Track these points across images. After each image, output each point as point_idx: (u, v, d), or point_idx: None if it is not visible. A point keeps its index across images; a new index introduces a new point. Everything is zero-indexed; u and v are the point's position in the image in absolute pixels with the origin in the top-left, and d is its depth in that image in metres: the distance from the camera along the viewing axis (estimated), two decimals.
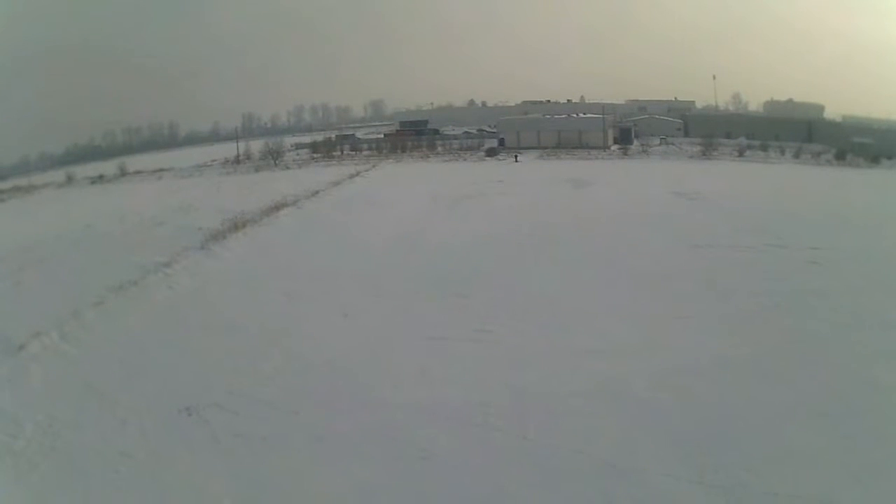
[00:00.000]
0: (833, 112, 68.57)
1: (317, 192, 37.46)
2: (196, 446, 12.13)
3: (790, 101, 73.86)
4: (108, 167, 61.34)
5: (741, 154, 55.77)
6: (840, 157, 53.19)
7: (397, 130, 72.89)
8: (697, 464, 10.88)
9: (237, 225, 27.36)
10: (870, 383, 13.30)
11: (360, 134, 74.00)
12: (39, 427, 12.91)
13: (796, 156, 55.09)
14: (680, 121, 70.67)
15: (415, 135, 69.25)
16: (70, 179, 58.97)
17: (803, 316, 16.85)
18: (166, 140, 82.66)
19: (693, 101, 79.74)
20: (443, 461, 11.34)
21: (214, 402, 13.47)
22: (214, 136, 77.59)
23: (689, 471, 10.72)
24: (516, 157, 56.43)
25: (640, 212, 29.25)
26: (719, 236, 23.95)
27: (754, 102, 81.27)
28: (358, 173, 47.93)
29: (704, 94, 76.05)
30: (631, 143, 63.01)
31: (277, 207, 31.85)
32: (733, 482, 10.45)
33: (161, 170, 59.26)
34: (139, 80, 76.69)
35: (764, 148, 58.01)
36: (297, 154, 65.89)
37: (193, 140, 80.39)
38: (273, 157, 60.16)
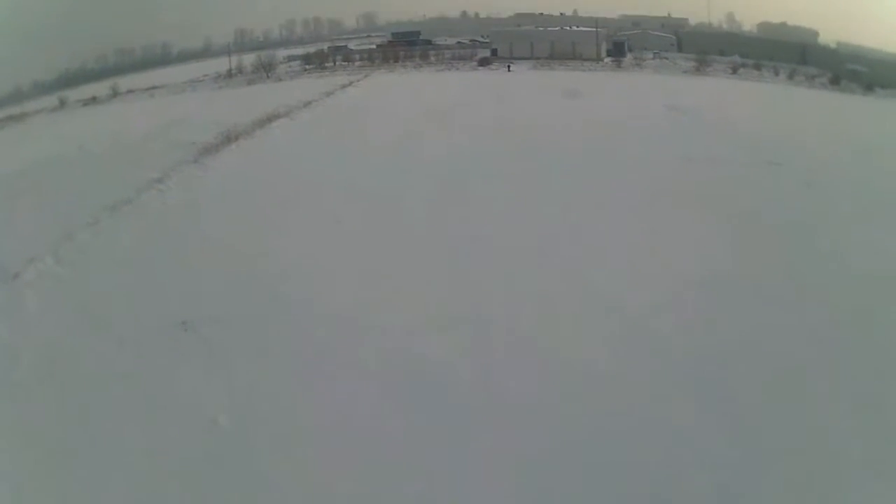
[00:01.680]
0: (827, 38, 66.08)
1: (309, 103, 35.84)
2: (193, 361, 11.72)
3: (784, 24, 70.98)
4: (101, 88, 59.49)
5: (735, 72, 53.84)
6: (834, 82, 51.24)
7: (389, 41, 70.65)
8: (693, 382, 10.60)
9: (230, 138, 26.37)
10: (866, 310, 12.82)
11: (352, 45, 71.56)
12: (37, 355, 12.43)
13: (790, 77, 53.19)
14: (673, 36, 68.19)
15: (407, 45, 67.16)
16: (63, 103, 57.01)
17: (799, 237, 16.19)
18: (159, 59, 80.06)
19: (686, 19, 76.69)
20: (441, 378, 10.94)
21: (210, 316, 12.98)
22: (207, 53, 75.05)
23: (684, 390, 10.43)
24: (509, 66, 54.66)
25: (633, 125, 27.93)
26: (715, 151, 23.04)
27: (748, 23, 78.23)
28: (350, 83, 46.41)
29: (698, 12, 72.72)
30: (624, 56, 60.99)
31: (270, 119, 30.53)
32: (729, 404, 10.18)
33: (153, 87, 57.20)
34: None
35: (757, 67, 56.07)
36: (290, 66, 63.97)
37: (186, 57, 77.95)
38: (265, 70, 58.31)
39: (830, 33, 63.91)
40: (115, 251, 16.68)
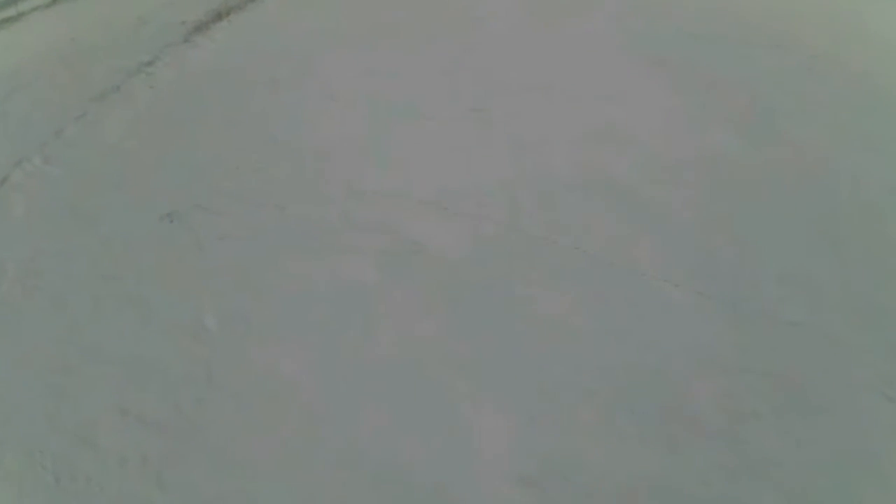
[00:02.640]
0: None
1: None
2: (179, 254, 10.52)
3: None
4: None
5: None
6: None
7: None
8: (695, 271, 9.23)
9: (220, 14, 24.19)
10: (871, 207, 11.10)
11: None
12: (22, 265, 11.23)
13: None
14: None
15: None
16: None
17: (802, 123, 14.30)
18: None
19: None
20: (433, 252, 9.89)
21: (197, 205, 11.63)
22: None
23: (686, 278, 9.08)
24: None
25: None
26: (716, 27, 20.68)
27: None
28: None
29: None
30: None
31: None
32: (730, 295, 8.86)
33: None
34: None
35: None
36: None
37: None
38: None
39: None
40: (101, 143, 15.23)
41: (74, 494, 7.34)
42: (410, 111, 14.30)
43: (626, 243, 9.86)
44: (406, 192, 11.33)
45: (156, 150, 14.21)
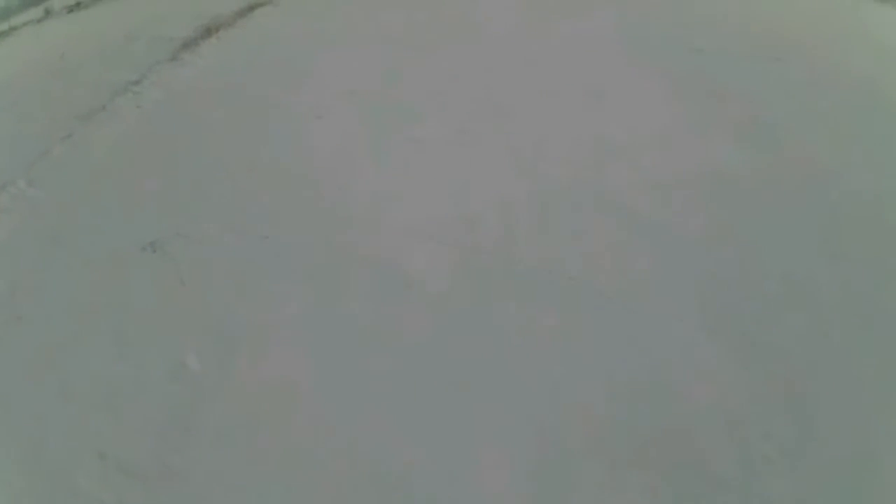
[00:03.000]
0: None
1: None
2: (161, 288, 10.05)
3: None
4: None
5: None
6: None
7: None
8: (702, 302, 8.75)
9: (209, 30, 23.75)
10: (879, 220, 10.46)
11: None
12: (3, 295, 10.54)
13: None
14: None
15: None
16: (48, 13, 54.05)
17: (805, 135, 13.93)
18: None
19: None
20: (424, 284, 9.41)
21: (178, 233, 11.21)
22: None
23: (693, 310, 8.61)
24: None
25: (636, 10, 24.60)
26: (718, 40, 20.28)
27: None
28: None
29: None
30: None
31: (251, 7, 27.47)
32: (738, 327, 8.36)
33: None
34: None
35: None
36: None
37: None
38: None
39: None
40: (87, 165, 14.74)
41: None
42: (402, 131, 13.89)
43: (628, 271, 9.43)
44: (397, 219, 10.90)
45: (141, 173, 13.79)
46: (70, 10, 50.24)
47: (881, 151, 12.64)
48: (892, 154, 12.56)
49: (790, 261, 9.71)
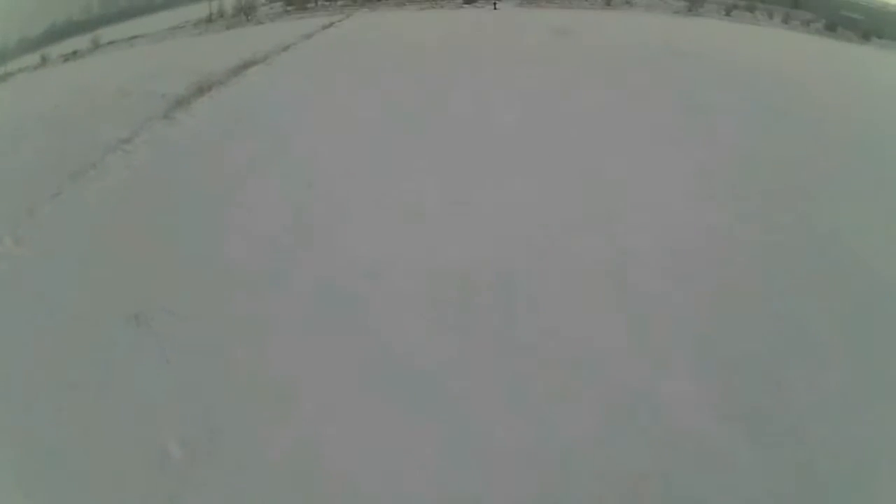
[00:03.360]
0: None
1: (288, 47, 32.99)
2: (145, 366, 9.70)
3: None
4: (83, 42, 56.85)
5: (728, 13, 50.61)
6: (830, 28, 47.74)
7: None
8: (716, 394, 8.55)
9: (202, 89, 23.77)
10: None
11: None
12: None
13: (785, 21, 49.72)
14: None
15: None
16: (45, 60, 54.28)
17: (816, 201, 13.74)
18: (143, 6, 77.25)
19: None
20: (415, 366, 9.22)
21: (164, 307, 10.87)
22: None
23: (705, 404, 8.40)
24: (495, 4, 51.74)
25: (626, 65, 24.84)
26: (720, 99, 20.60)
27: None
28: (331, 24, 43.12)
29: None
30: None
31: (245, 66, 27.60)
32: (755, 419, 8.18)
33: (134, 37, 54.59)
34: None
35: (750, 9, 52.33)
36: (271, 8, 60.80)
37: (171, 4, 75.10)
38: (245, 13, 55.54)
39: None
40: (74, 226, 14.57)
41: None
42: (394, 200, 13.77)
43: (633, 357, 9.17)
44: (387, 292, 10.70)
45: (129, 237, 13.57)
46: (66, 59, 50.39)
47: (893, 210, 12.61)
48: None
49: (797, 332, 9.52)
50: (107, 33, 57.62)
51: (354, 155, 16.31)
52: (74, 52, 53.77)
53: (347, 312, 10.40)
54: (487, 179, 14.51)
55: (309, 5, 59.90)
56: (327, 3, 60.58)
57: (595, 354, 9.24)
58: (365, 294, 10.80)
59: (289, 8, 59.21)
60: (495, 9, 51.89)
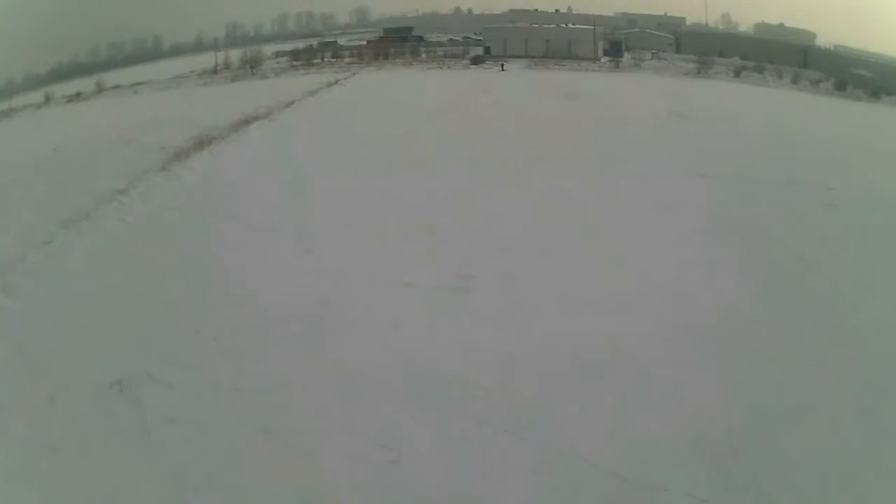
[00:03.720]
0: (825, 41, 63.58)
1: (291, 103, 33.13)
2: (125, 436, 9.21)
3: (781, 25, 68.47)
4: (89, 84, 57.16)
5: (737, 75, 51.43)
6: (840, 87, 48.46)
7: (380, 37, 68.21)
8: (722, 482, 8.27)
9: (202, 142, 23.81)
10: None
11: (342, 41, 69.10)
12: None
13: (794, 81, 50.54)
14: (671, 36, 65.23)
15: (399, 41, 64.64)
16: (48, 99, 54.62)
17: (827, 271, 13.78)
18: (150, 53, 78.21)
19: (684, 18, 74.09)
20: (409, 461, 8.70)
21: (148, 373, 10.44)
22: (199, 47, 72.79)
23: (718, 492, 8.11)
24: (502, 65, 52.28)
25: (637, 132, 25.42)
26: (726, 165, 20.69)
27: (744, 24, 76.22)
28: (337, 81, 43.61)
29: (693, 11, 71.17)
30: (621, 55, 57.85)
31: (248, 121, 27.93)
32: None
33: (138, 83, 55.02)
34: None
35: (759, 70, 53.20)
36: (278, 62, 61.59)
37: (178, 52, 76.06)
38: (251, 67, 56.04)
39: (828, 36, 61.79)
40: (63, 278, 14.27)
41: None
42: (392, 274, 13.48)
43: (640, 448, 8.83)
44: (381, 378, 10.28)
45: (117, 294, 13.25)
46: (70, 99, 50.79)
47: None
48: None
49: (810, 415, 9.26)
50: (112, 77, 58.29)
51: (357, 222, 16.11)
52: (78, 94, 54.22)
53: (340, 404, 9.94)
54: (492, 252, 14.38)
55: (315, 61, 60.58)
56: (334, 60, 61.29)
57: (601, 453, 8.86)
58: (359, 380, 10.38)
59: (295, 63, 59.85)
60: (503, 70, 52.45)
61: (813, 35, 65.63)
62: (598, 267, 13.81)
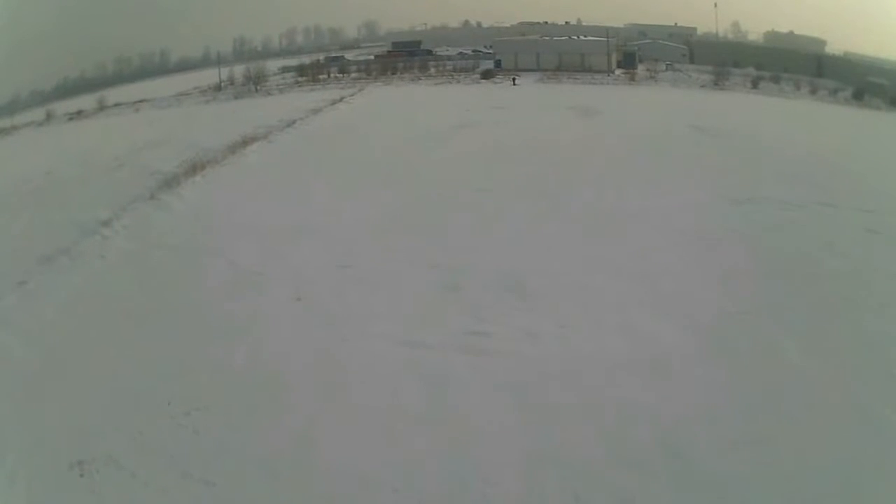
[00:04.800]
0: (834, 48, 62.21)
1: (293, 122, 31.78)
2: None
3: (791, 33, 67.12)
4: (90, 101, 56.17)
5: (755, 86, 49.83)
6: (858, 97, 46.87)
7: (388, 52, 67.12)
8: None
9: (196, 167, 22.41)
10: None
11: (350, 56, 68.10)
12: None
13: (812, 92, 48.96)
14: (685, 47, 63.85)
15: (407, 56, 63.35)
16: (49, 117, 53.62)
17: (876, 311, 12.16)
18: (157, 68, 78.04)
19: (695, 28, 72.82)
20: None
21: (110, 456, 8.86)
22: (206, 62, 72.33)
23: None
24: (514, 80, 50.79)
25: (661, 151, 23.88)
26: (757, 188, 18.98)
27: (754, 33, 75.13)
28: (342, 98, 42.07)
29: (702, 20, 70.58)
30: (635, 67, 56.18)
31: (245, 142, 26.67)
32: None
33: (141, 101, 54.13)
34: (129, 5, 71.65)
35: (775, 80, 51.61)
36: (283, 78, 60.39)
37: (185, 66, 76.01)
38: (254, 83, 54.89)
39: (839, 43, 60.49)
40: (35, 322, 12.78)
41: None
42: (392, 332, 11.70)
43: None
44: (378, 480, 8.50)
45: (88, 351, 11.75)
46: (70, 117, 50.18)
47: None
48: None
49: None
50: (115, 94, 57.47)
51: (352, 270, 14.31)
52: (79, 112, 53.26)
53: (329, 495, 8.28)
54: (504, 307, 12.65)
55: (321, 77, 59.10)
56: (340, 76, 59.82)
57: None
58: (354, 473, 8.63)
59: (300, 79, 58.39)
60: (514, 84, 50.72)
61: (822, 42, 64.39)
62: (611, 324, 11.98)
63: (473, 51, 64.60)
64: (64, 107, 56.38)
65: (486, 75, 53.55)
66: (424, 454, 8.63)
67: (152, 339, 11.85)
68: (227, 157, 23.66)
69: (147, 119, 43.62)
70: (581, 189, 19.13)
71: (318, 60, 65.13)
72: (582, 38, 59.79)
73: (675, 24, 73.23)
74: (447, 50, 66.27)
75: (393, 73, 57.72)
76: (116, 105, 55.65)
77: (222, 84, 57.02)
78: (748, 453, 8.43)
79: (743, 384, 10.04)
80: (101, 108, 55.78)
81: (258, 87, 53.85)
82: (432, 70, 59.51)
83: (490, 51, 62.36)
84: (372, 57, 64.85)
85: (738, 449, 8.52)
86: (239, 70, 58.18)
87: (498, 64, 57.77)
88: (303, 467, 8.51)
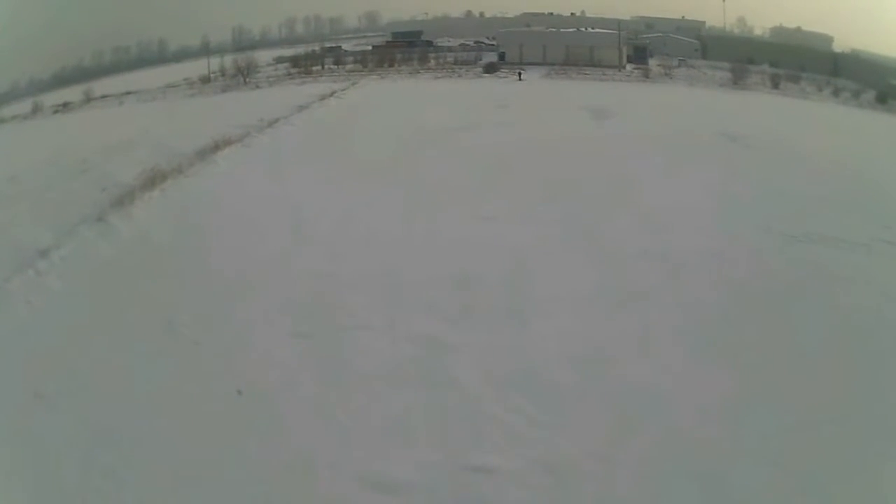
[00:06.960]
0: (840, 45, 59.78)
1: (275, 121, 28.64)
2: None
3: (799, 29, 64.45)
4: (78, 93, 54.03)
5: (775, 86, 46.97)
6: (881, 100, 43.93)
7: (387, 42, 64.54)
8: None
9: (155, 178, 19.54)
10: None
11: (347, 46, 65.48)
12: None
13: (835, 94, 46.14)
14: (696, 41, 60.80)
15: (406, 46, 60.58)
16: (36, 109, 51.47)
17: None
18: (155, 57, 76.81)
19: (703, 22, 70.00)
20: None
21: None
22: (204, 51, 70.40)
23: None
24: (520, 74, 47.89)
25: (688, 163, 20.84)
26: (805, 218, 15.70)
27: (759, 27, 72.70)
28: (332, 93, 38.78)
29: (708, 14, 69.47)
30: (647, 62, 52.96)
31: (218, 146, 23.65)
32: None
33: (127, 93, 52.00)
34: None
35: (795, 80, 48.75)
36: (276, 69, 57.77)
37: (183, 56, 74.58)
38: (242, 75, 52.24)
39: (844, 40, 58.28)
40: None
41: None
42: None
43: None
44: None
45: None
46: (56, 110, 48.04)
47: None
48: None
49: None
50: (104, 85, 55.17)
51: (307, 340, 11.22)
52: (65, 105, 50.93)
53: None
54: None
55: (315, 68, 55.96)
56: (334, 68, 56.73)
57: None
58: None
59: (293, 71, 55.33)
60: (520, 79, 47.49)
61: (830, 39, 61.69)
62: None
63: (476, 42, 62.86)
64: (51, 99, 54.49)
65: (490, 69, 50.27)
66: None
67: (62, 430, 8.88)
68: (193, 165, 20.56)
69: (127, 114, 41.12)
70: (592, 212, 16.11)
71: (314, 50, 62.23)
72: (591, 30, 56.55)
73: (683, 17, 70.38)
74: (448, 41, 63.71)
75: (390, 66, 54.87)
76: (103, 97, 53.47)
77: (213, 75, 54.38)
78: None
79: None
80: (88, 100, 53.52)
81: (247, 80, 51.17)
82: (432, 62, 56.65)
83: (493, 42, 59.76)
84: (370, 47, 62.01)
85: None
86: (235, 59, 55.65)
87: (502, 57, 54.84)
88: None
